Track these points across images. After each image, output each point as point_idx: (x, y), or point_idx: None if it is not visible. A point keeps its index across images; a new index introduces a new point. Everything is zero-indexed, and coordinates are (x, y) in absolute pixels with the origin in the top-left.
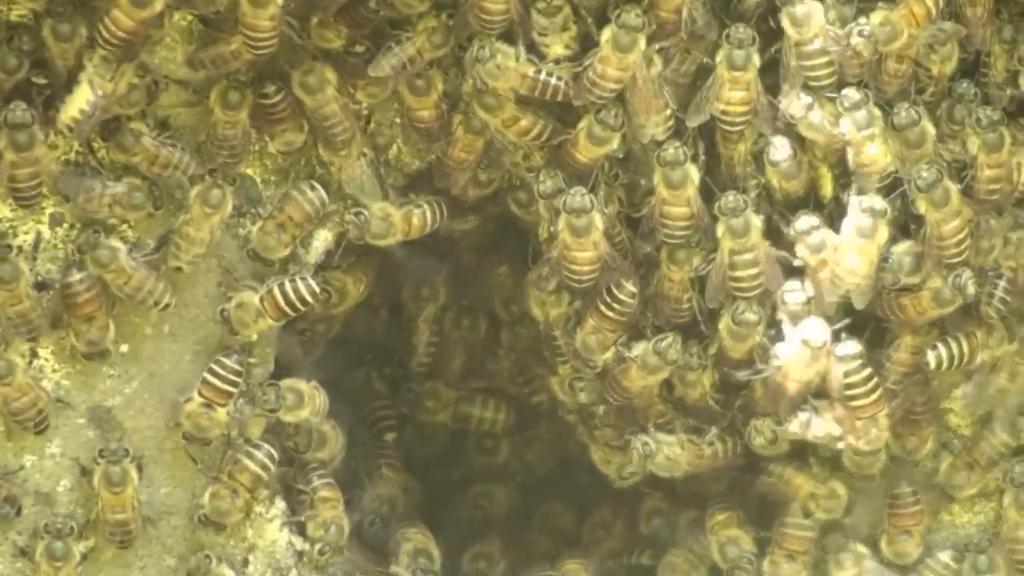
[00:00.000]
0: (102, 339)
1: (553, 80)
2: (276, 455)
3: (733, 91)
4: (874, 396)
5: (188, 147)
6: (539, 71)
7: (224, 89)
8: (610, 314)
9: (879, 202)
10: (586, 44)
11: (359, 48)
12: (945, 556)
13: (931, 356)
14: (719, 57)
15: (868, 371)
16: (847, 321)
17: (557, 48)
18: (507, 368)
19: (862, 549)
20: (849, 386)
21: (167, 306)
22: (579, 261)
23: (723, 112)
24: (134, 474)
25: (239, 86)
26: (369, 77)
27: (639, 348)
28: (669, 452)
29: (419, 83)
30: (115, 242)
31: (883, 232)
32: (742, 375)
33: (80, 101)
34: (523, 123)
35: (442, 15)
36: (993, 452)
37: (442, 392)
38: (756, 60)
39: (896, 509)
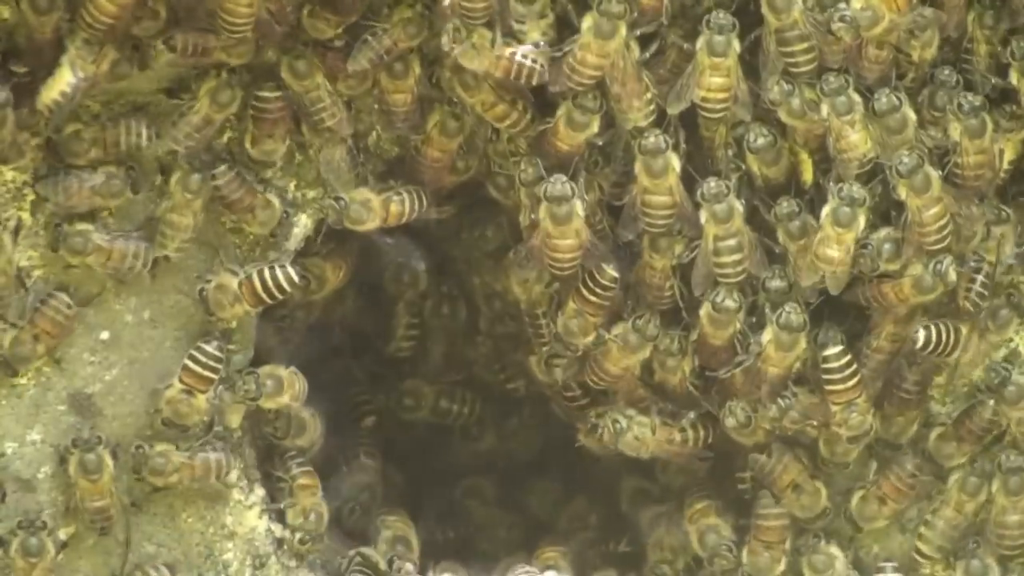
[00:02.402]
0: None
1: (528, 62)
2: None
3: (713, 77)
4: (851, 383)
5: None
6: (515, 52)
7: (217, 87)
8: (592, 298)
9: (858, 191)
10: (563, 32)
11: (338, 43)
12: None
13: (921, 335)
14: (699, 44)
15: (846, 358)
16: (820, 301)
17: (534, 35)
18: (485, 355)
19: (834, 551)
20: (826, 371)
21: (158, 266)
22: (561, 249)
23: (703, 99)
24: (109, 461)
25: (232, 86)
26: (349, 70)
27: (618, 328)
28: (639, 432)
29: (397, 67)
30: (83, 225)
31: (860, 221)
32: (723, 372)
33: (61, 83)
34: (500, 108)
35: (417, 5)
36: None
37: (421, 389)
38: (736, 46)
39: (890, 473)
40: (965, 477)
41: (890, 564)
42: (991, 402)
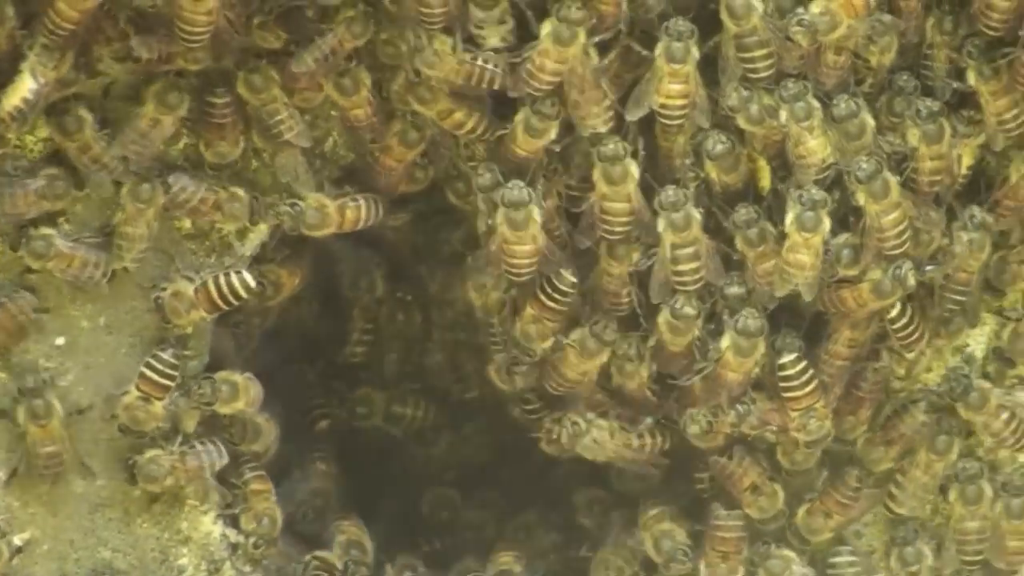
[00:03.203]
0: None
1: (490, 67)
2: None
3: (672, 84)
4: (808, 389)
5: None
6: (475, 57)
7: (163, 88)
8: (550, 304)
9: (819, 193)
10: (523, 37)
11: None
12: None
13: (897, 308)
14: (658, 50)
15: (803, 364)
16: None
17: (494, 41)
18: (440, 363)
19: (788, 553)
20: (784, 379)
21: (114, 273)
22: (518, 255)
23: (662, 105)
24: (58, 405)
25: (180, 88)
26: (304, 82)
27: (576, 334)
28: (597, 435)
29: (346, 83)
30: (46, 230)
31: (825, 223)
32: (683, 380)
33: (23, 90)
34: (457, 116)
35: (359, 4)
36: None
37: (373, 397)
38: (695, 53)
39: (832, 490)
40: (934, 435)
41: (846, 548)
42: (921, 405)
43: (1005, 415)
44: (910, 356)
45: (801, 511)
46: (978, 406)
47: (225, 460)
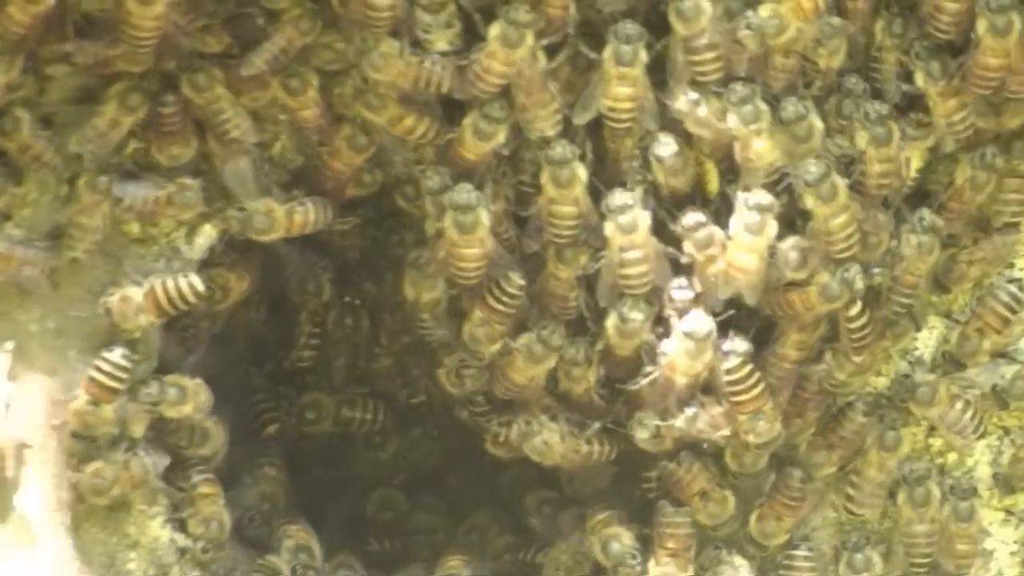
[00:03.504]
0: None
1: (437, 70)
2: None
3: (620, 87)
4: (755, 392)
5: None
6: (422, 61)
7: (126, 89)
8: (498, 307)
9: (766, 197)
10: (471, 41)
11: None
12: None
13: (855, 309)
14: (606, 54)
15: (749, 367)
16: (730, 312)
17: (441, 44)
18: (387, 368)
19: (738, 560)
20: (731, 383)
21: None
22: (466, 258)
23: (610, 109)
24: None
25: (142, 90)
26: (251, 83)
27: (524, 338)
28: (547, 437)
29: (294, 84)
30: None
31: (771, 227)
32: (631, 385)
33: None
34: (407, 121)
35: (306, 2)
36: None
37: (322, 402)
38: (643, 56)
39: (778, 493)
40: (882, 433)
41: (805, 544)
42: (859, 406)
43: (960, 404)
44: (858, 360)
45: (753, 518)
46: (928, 400)
47: (166, 461)
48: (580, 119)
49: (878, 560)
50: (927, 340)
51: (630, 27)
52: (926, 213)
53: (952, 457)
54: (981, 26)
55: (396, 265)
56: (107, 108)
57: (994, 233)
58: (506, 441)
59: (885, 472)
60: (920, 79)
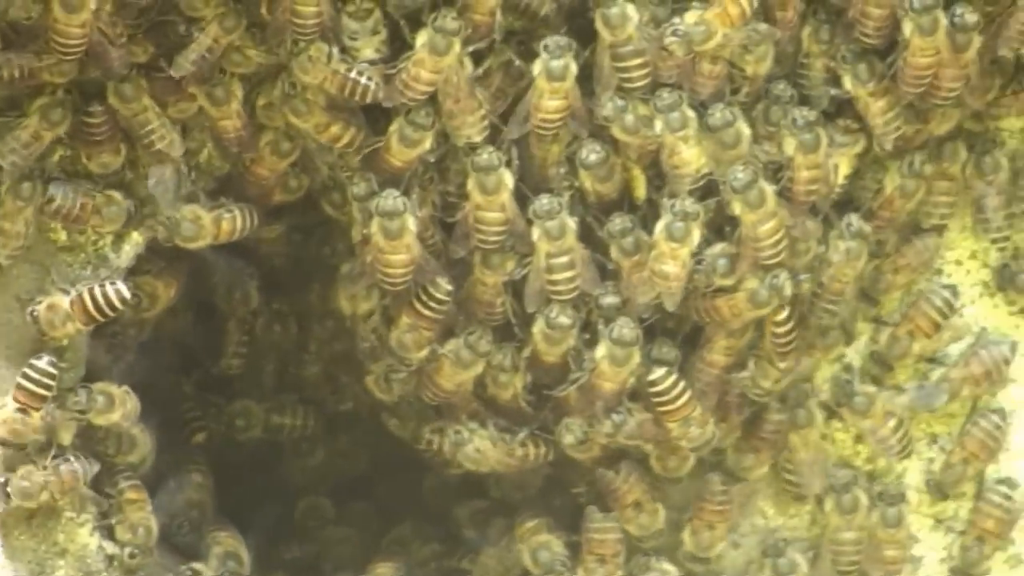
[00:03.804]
0: None
1: (363, 80)
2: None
3: (552, 101)
4: (681, 401)
5: None
6: (349, 69)
7: (48, 104)
8: (425, 312)
9: (690, 205)
10: (396, 48)
11: (164, 64)
12: None
13: (783, 314)
14: (537, 68)
15: (671, 379)
16: (657, 316)
17: (368, 52)
18: (315, 375)
19: (667, 566)
20: (656, 394)
21: None
22: (393, 264)
23: (542, 120)
24: None
25: (64, 105)
26: (177, 94)
27: (451, 344)
28: (480, 444)
29: (218, 93)
30: None
31: (695, 235)
32: (558, 391)
33: None
34: (333, 129)
35: (229, 1)
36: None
37: (252, 409)
38: (574, 68)
39: (703, 502)
40: (791, 415)
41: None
42: (772, 404)
43: (892, 422)
44: (782, 366)
45: (685, 535)
46: (863, 411)
47: (96, 467)
48: (514, 134)
49: (803, 562)
50: (856, 345)
51: (561, 41)
52: (854, 219)
53: (882, 463)
54: (907, 28)
55: (324, 273)
56: (30, 122)
57: (914, 239)
58: (439, 451)
59: (812, 447)
60: (848, 83)
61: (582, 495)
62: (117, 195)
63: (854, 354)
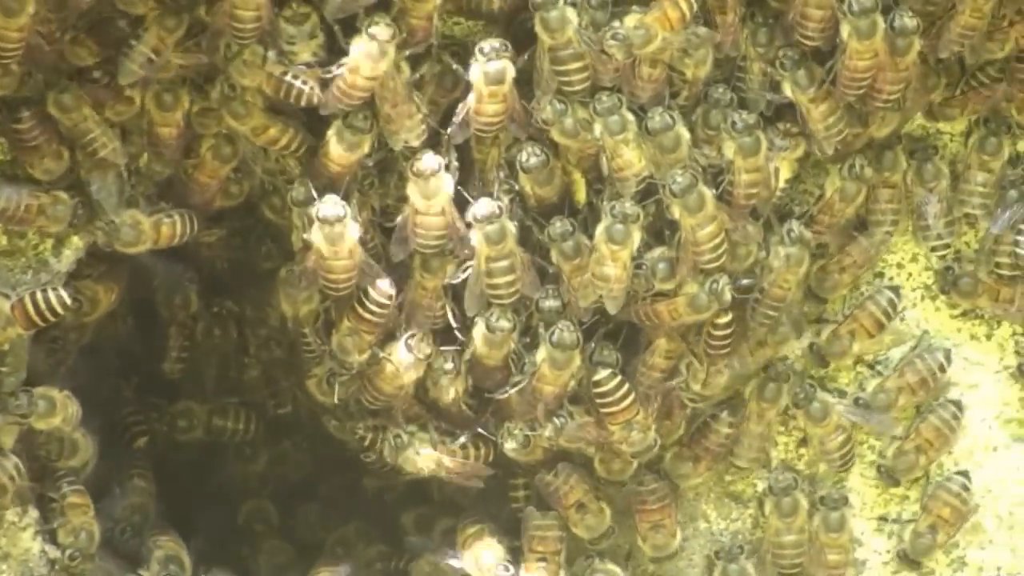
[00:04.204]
0: None
1: (298, 84)
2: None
3: (490, 105)
4: (625, 403)
5: None
6: (286, 73)
7: None
8: (367, 316)
9: (630, 207)
10: (333, 51)
11: (97, 73)
12: None
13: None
14: (474, 74)
15: (615, 380)
16: (596, 318)
17: (305, 56)
18: (255, 379)
19: (613, 567)
20: (600, 395)
21: None
22: (335, 270)
23: (484, 124)
24: None
25: None
26: (114, 97)
27: (392, 347)
28: (420, 448)
29: (167, 98)
30: None
31: (635, 237)
32: (500, 394)
33: None
34: (272, 132)
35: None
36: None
37: (194, 410)
38: (512, 71)
39: (643, 505)
40: (760, 384)
41: None
42: (724, 416)
43: (842, 436)
44: (713, 368)
45: (639, 541)
46: (819, 419)
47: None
48: (459, 138)
49: (752, 570)
50: (796, 347)
51: (497, 43)
52: (795, 225)
53: (823, 467)
54: (845, 31)
55: (263, 276)
56: None
57: (860, 237)
58: (380, 457)
59: (764, 424)
60: (788, 89)
61: (519, 499)
62: (63, 195)
63: (794, 356)
